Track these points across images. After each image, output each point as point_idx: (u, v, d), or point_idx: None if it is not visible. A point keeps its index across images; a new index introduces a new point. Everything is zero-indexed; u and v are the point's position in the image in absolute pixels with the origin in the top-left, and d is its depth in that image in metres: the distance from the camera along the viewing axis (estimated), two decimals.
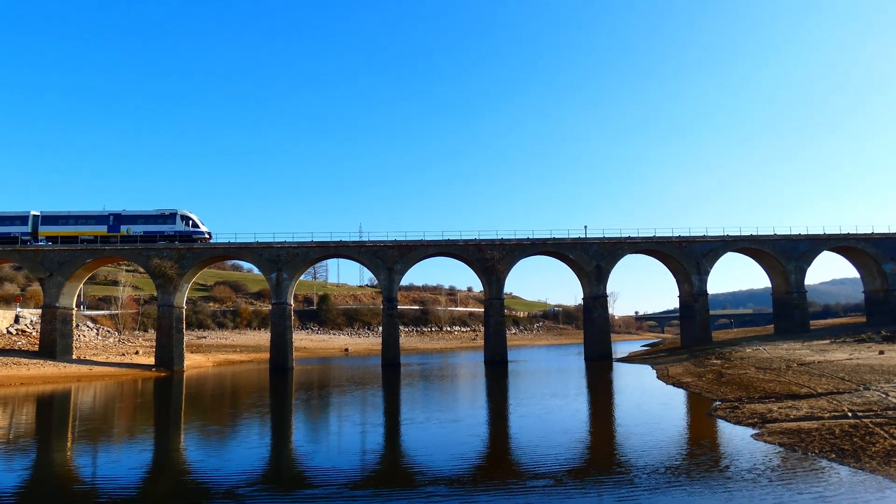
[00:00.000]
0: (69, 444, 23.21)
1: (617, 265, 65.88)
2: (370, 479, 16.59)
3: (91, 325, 79.66)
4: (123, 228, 62.81)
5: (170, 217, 63.79)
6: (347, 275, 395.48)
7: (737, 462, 16.76)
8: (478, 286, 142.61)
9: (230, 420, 29.45)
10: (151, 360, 61.39)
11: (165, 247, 61.02)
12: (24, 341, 62.89)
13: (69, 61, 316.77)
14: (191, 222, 63.96)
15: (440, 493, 14.76)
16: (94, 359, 61.37)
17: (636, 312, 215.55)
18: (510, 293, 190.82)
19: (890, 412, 19.79)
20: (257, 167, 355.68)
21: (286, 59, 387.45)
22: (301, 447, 21.92)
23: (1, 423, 27.94)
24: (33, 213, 63.13)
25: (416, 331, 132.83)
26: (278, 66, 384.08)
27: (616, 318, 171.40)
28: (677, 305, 71.56)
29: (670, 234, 66.12)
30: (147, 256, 61.03)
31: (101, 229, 62.77)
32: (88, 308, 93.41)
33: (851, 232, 67.59)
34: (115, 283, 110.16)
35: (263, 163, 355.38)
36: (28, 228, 62.21)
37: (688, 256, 65.13)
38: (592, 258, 64.49)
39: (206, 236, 64.20)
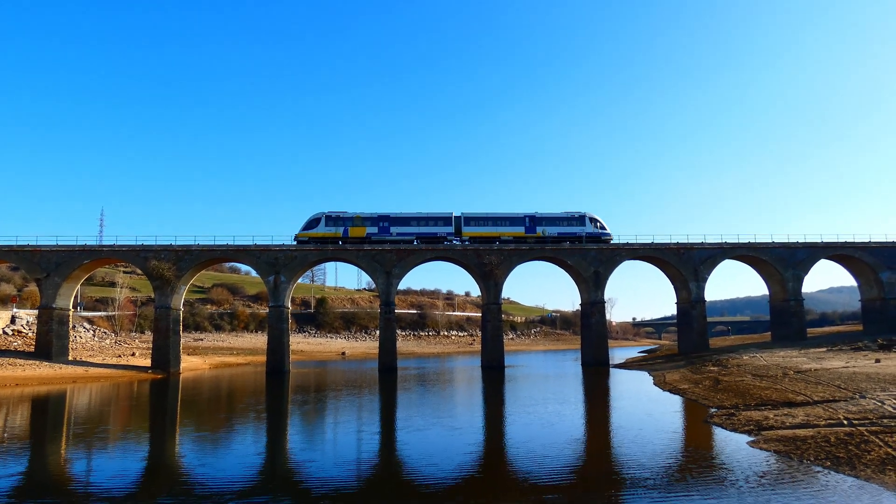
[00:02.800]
0: (64, 446, 23.15)
1: (615, 271, 66.05)
2: (366, 488, 16.53)
3: (88, 326, 79.53)
4: (539, 230, 65.22)
5: (579, 219, 66.09)
6: (345, 278, 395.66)
7: (732, 469, 16.75)
8: (475, 291, 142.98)
9: (226, 423, 29.40)
10: (148, 362, 61.27)
11: (162, 248, 60.98)
12: (20, 342, 62.74)
13: (69, 61, 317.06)
14: (598, 224, 66.15)
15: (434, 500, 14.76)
16: (91, 360, 61.24)
17: (634, 319, 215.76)
18: (508, 298, 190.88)
19: (885, 420, 19.82)
20: (256, 170, 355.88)
21: (286, 61, 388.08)
22: (296, 453, 21.87)
23: None
24: (456, 214, 65.85)
25: (414, 335, 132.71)
26: (277, 69, 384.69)
27: (613, 324, 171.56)
28: (675, 312, 71.63)
29: (668, 241, 66.26)
30: (144, 258, 60.99)
31: (519, 230, 65.19)
32: (85, 309, 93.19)
33: (849, 240, 67.78)
34: (113, 284, 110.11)
35: (262, 165, 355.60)
36: (452, 229, 64.99)
37: (685, 263, 65.21)
38: (590, 264, 64.54)
39: (610, 237, 66.16)
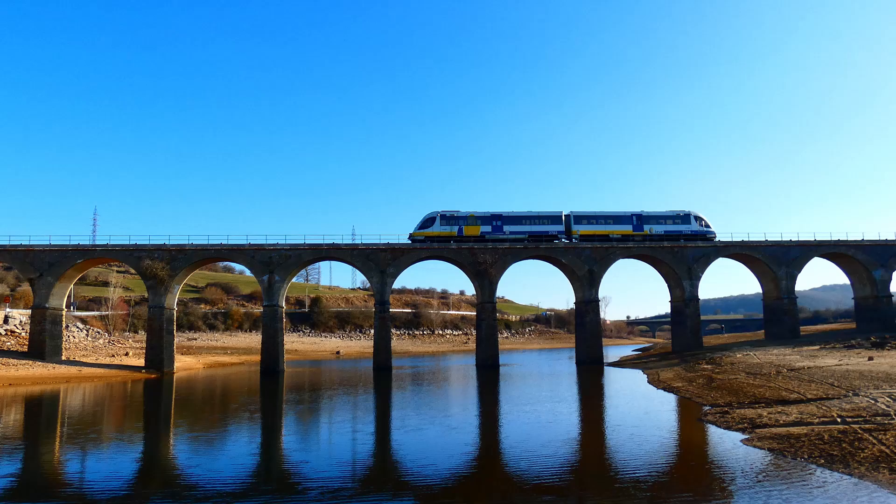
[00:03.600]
0: (58, 446, 23.04)
1: (609, 270, 66.15)
2: (362, 488, 16.50)
3: (81, 325, 79.15)
4: (646, 228, 65.93)
5: (685, 217, 66.93)
6: (340, 277, 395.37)
7: (726, 467, 16.81)
8: (470, 290, 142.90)
9: (220, 423, 29.31)
10: (141, 362, 61.04)
11: (156, 247, 60.75)
12: (13, 342, 62.41)
13: (62, 59, 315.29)
14: (703, 222, 66.91)
15: (431, 501, 14.76)
16: (84, 360, 60.96)
17: (628, 317, 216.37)
18: (502, 297, 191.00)
19: (879, 418, 19.90)
20: (250, 168, 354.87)
21: (280, 61, 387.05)
22: (291, 453, 21.81)
23: None
24: (565, 213, 66.78)
25: (408, 334, 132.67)
26: (272, 69, 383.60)
27: (608, 322, 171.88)
28: (669, 310, 71.83)
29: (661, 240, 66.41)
30: (138, 258, 60.75)
31: (627, 228, 65.95)
32: (78, 309, 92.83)
33: (842, 239, 68.04)
34: (106, 283, 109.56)
35: (256, 164, 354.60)
36: (562, 227, 65.88)
37: (679, 262, 65.36)
38: (584, 262, 64.63)
39: (714, 235, 67.03)
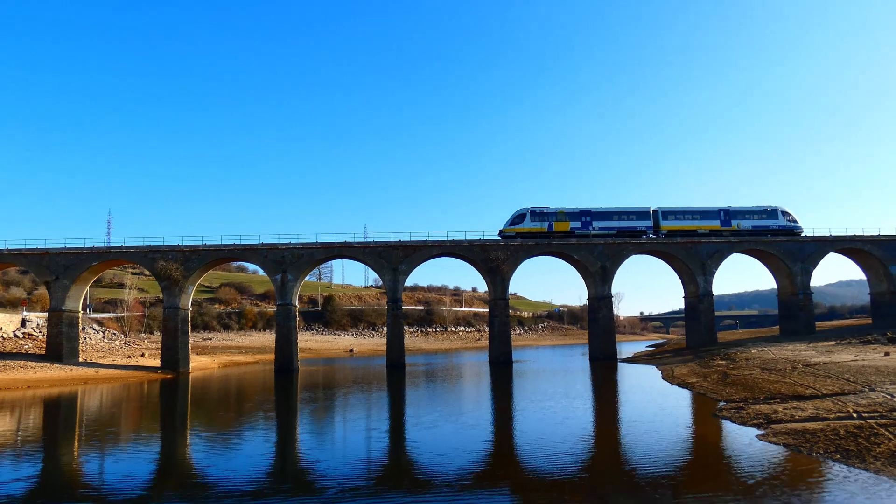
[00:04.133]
0: (76, 447, 23.35)
1: (622, 266, 65.89)
2: (378, 486, 16.56)
3: (97, 327, 80.00)
4: (734, 223, 66.04)
5: (772, 212, 67.06)
6: (352, 275, 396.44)
7: (742, 463, 16.78)
8: (482, 286, 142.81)
9: (236, 423, 29.56)
10: (157, 363, 61.59)
11: (170, 248, 61.26)
12: (30, 345, 63.18)
13: (74, 61, 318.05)
14: (790, 217, 67.01)
15: (450, 497, 14.83)
16: (101, 361, 61.60)
17: (641, 313, 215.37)
18: (515, 293, 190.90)
19: (895, 413, 19.76)
20: (262, 169, 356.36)
21: (291, 59, 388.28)
22: (307, 452, 21.96)
23: (9, 426, 28.12)
24: (653, 208, 66.77)
25: (421, 331, 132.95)
26: (283, 67, 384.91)
27: (621, 318, 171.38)
28: (682, 306, 71.43)
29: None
30: (152, 259, 61.28)
31: (715, 224, 66.13)
32: (94, 311, 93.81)
33: (858, 234, 67.40)
34: (121, 285, 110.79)
35: (268, 164, 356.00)
36: (650, 223, 66.05)
37: (693, 257, 65.02)
38: (597, 258, 64.45)
39: (801, 230, 67.22)
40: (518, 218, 65.36)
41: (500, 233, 65.55)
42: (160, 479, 17.66)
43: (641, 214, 66.06)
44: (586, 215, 65.58)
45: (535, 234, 64.67)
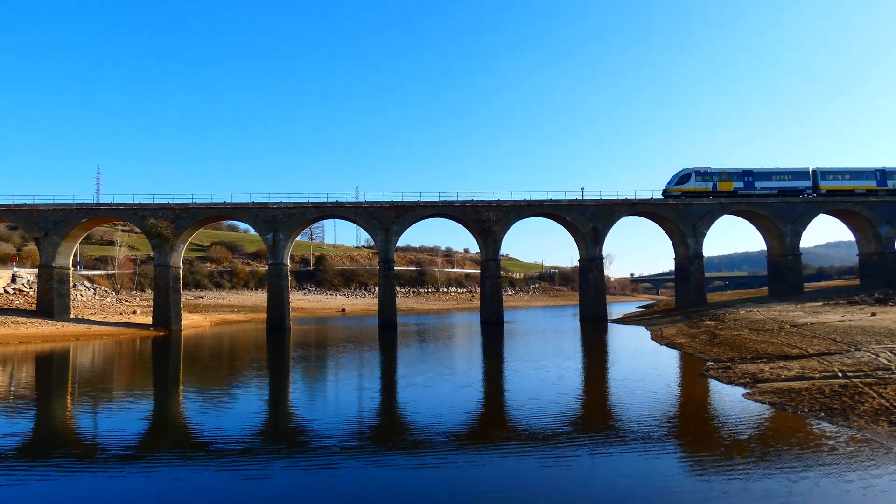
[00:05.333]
0: (69, 402, 23.47)
1: (613, 227, 66.03)
2: (370, 443, 16.76)
3: (88, 284, 79.82)
4: (890, 183, 66.75)
5: None
6: (344, 235, 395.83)
7: (728, 421, 17.06)
8: (474, 247, 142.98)
9: (227, 380, 29.74)
10: (149, 320, 61.69)
11: (160, 206, 60.75)
12: (21, 301, 63.06)
13: (64, 15, 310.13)
14: None
15: (440, 452, 15.03)
16: (92, 318, 61.65)
17: (632, 274, 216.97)
18: (507, 255, 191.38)
19: (880, 372, 20.08)
20: (254, 126, 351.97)
21: (283, 15, 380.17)
22: (299, 409, 22.14)
23: (1, 381, 28.20)
24: (811, 168, 67.54)
25: (413, 291, 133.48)
26: (274, 23, 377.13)
27: (612, 279, 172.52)
28: (673, 268, 71.81)
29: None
30: (142, 216, 60.81)
31: (871, 184, 67.11)
32: (85, 268, 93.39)
33: (847, 196, 67.57)
34: (112, 242, 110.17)
35: (260, 122, 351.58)
36: (809, 183, 67.01)
37: (684, 219, 65.14)
38: (589, 220, 64.48)
39: None
40: (683, 178, 66.27)
41: (665, 192, 66.60)
42: (153, 436, 17.77)
43: (801, 175, 66.97)
44: (748, 175, 66.57)
45: (699, 194, 65.87)
